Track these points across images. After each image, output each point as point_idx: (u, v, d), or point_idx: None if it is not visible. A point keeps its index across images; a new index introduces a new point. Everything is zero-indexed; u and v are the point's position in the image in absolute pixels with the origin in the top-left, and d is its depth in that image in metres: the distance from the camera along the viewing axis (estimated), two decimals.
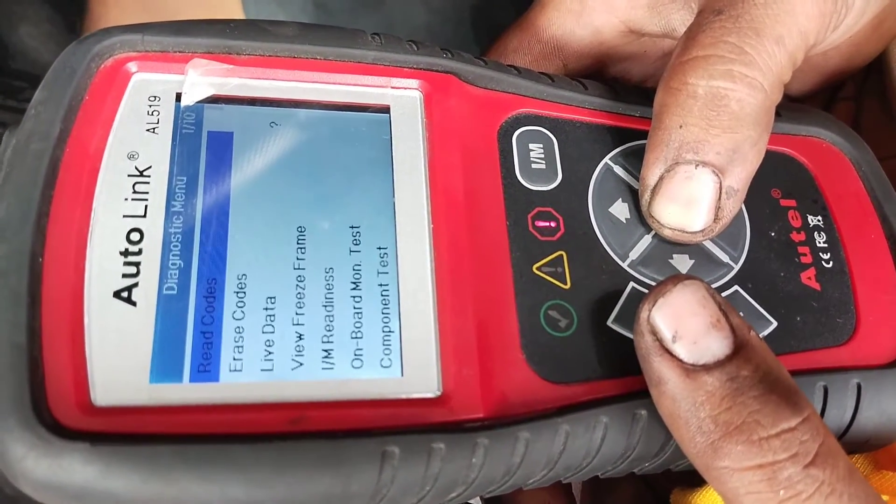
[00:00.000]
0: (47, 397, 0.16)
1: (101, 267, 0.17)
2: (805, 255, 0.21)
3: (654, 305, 0.17)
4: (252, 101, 0.20)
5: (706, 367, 0.16)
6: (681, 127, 0.19)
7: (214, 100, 0.20)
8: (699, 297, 0.17)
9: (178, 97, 0.19)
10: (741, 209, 0.21)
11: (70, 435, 0.15)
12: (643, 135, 0.22)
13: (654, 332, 0.17)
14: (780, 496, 0.16)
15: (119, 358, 0.16)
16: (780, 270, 0.21)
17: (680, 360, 0.17)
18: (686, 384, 0.16)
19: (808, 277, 0.21)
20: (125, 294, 0.17)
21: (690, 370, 0.17)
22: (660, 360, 0.17)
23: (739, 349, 0.17)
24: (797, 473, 0.16)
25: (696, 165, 0.19)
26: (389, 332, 0.18)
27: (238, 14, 0.33)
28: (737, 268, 0.21)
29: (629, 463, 0.18)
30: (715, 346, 0.17)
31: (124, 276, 0.17)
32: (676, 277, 0.17)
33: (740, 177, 0.20)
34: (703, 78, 0.19)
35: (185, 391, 0.16)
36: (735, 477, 0.16)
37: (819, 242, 0.21)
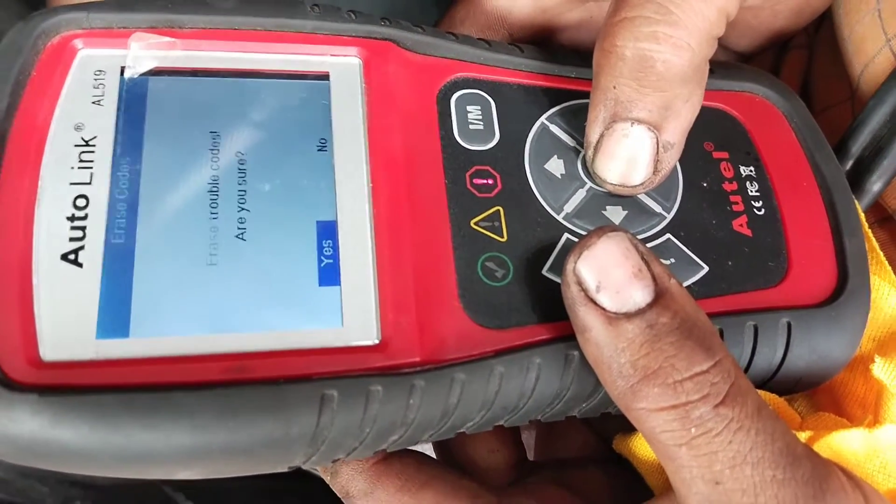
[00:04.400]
0: None
1: (49, 231, 0.18)
2: (737, 203, 0.22)
3: (578, 257, 0.18)
4: (194, 72, 0.21)
5: (627, 316, 0.17)
6: (614, 87, 0.20)
7: (157, 72, 0.20)
8: (623, 248, 0.18)
9: (123, 71, 0.20)
10: None
11: (19, 388, 0.16)
12: (578, 94, 0.23)
13: (580, 283, 0.18)
14: (691, 433, 0.16)
15: (66, 316, 0.17)
16: (712, 218, 0.22)
17: (603, 309, 0.17)
18: (608, 331, 0.17)
19: (740, 224, 0.22)
20: (72, 256, 0.18)
21: (613, 318, 0.17)
22: (585, 308, 0.18)
23: (659, 297, 0.17)
24: (708, 412, 0.16)
25: (632, 123, 0.20)
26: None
27: None
28: (669, 217, 0.21)
29: (565, 403, 0.19)
30: (637, 295, 0.17)
31: (71, 239, 0.18)
32: (602, 229, 0.18)
33: (675, 131, 0.20)
34: (630, 40, 0.20)
35: (131, 345, 0.17)
36: (652, 417, 0.17)
37: (751, 191, 0.22)
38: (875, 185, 0.24)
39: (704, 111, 0.23)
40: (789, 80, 0.30)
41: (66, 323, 0.17)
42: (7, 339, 0.17)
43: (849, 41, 0.27)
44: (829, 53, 0.29)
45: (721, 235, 0.21)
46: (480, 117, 0.22)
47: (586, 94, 0.23)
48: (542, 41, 0.26)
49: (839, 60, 0.28)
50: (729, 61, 0.26)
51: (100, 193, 0.19)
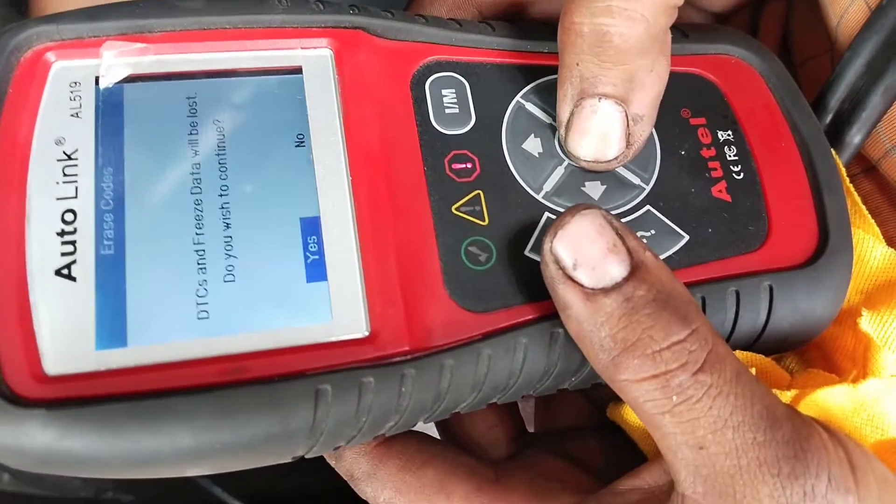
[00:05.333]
0: (3, 372, 0.17)
1: (41, 248, 0.18)
2: (715, 169, 0.22)
3: (554, 237, 0.18)
4: (168, 77, 0.21)
5: (605, 291, 0.18)
6: (577, 64, 0.20)
7: (132, 79, 0.20)
8: (596, 224, 0.18)
9: (98, 80, 0.20)
10: (651, 132, 0.22)
11: (27, 403, 0.17)
12: (552, 70, 0.23)
13: (557, 262, 0.18)
14: (673, 401, 0.17)
15: (66, 330, 0.18)
16: (691, 186, 0.22)
17: (581, 286, 0.18)
18: (587, 307, 0.18)
19: (719, 190, 0.22)
20: (65, 271, 0.18)
21: (591, 294, 0.18)
22: (563, 286, 0.18)
23: (635, 270, 0.18)
24: (687, 380, 0.17)
25: (599, 98, 0.20)
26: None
27: None
28: (648, 188, 0.22)
29: (554, 379, 0.20)
30: (613, 269, 0.18)
31: (63, 254, 0.18)
32: (576, 207, 0.19)
33: (643, 103, 0.20)
34: (587, 16, 0.20)
35: (130, 354, 0.18)
36: (634, 387, 0.17)
37: (729, 156, 0.22)
38: (856, 137, 0.25)
39: (679, 77, 0.23)
40: (769, 34, 0.29)
41: (65, 337, 0.18)
42: (11, 357, 0.17)
43: None
44: (807, 4, 0.29)
45: (700, 203, 0.22)
46: (455, 100, 0.22)
47: None
48: (514, 17, 0.26)
49: (818, 11, 0.28)
50: (703, 23, 0.26)
51: (86, 206, 0.19)
